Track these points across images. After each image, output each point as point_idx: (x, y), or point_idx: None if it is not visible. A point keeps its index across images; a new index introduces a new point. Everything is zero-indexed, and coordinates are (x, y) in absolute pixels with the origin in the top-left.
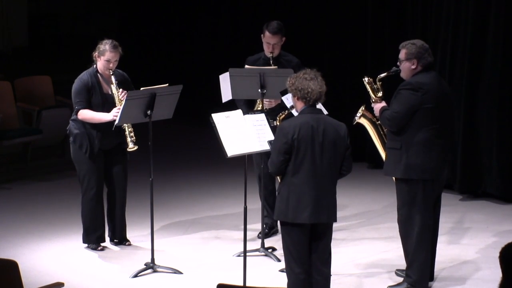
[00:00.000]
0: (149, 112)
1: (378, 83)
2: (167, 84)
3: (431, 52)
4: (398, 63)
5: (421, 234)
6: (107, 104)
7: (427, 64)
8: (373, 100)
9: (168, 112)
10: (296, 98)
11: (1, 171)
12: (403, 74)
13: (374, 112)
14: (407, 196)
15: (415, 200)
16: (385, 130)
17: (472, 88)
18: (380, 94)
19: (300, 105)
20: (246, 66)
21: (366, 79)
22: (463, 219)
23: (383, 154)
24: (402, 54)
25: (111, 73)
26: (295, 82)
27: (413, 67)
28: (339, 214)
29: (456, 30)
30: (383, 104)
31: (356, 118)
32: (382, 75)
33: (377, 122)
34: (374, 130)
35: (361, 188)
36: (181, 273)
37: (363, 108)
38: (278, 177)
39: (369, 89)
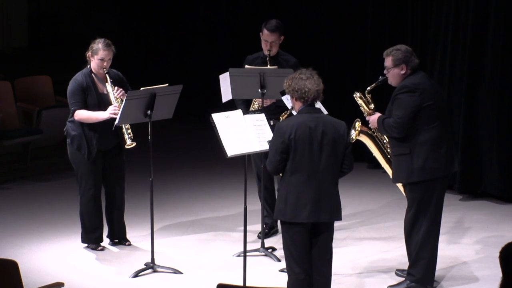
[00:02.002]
0: (149, 112)
1: (368, 95)
2: (167, 84)
3: (415, 54)
4: (385, 71)
5: (428, 233)
6: (103, 103)
7: (415, 66)
8: (367, 113)
9: (168, 112)
10: (294, 99)
11: (1, 171)
12: (392, 81)
13: (371, 124)
14: (419, 196)
15: (428, 199)
16: (384, 138)
17: (472, 88)
18: (372, 106)
19: (299, 105)
20: (246, 66)
21: (357, 94)
22: (463, 219)
23: (386, 166)
24: (388, 62)
25: (106, 72)
26: (292, 83)
27: (402, 72)
28: None
29: (456, 30)
30: (379, 114)
31: (353, 136)
32: (370, 87)
33: (374, 134)
34: (374, 144)
35: (361, 188)
36: (181, 273)
37: (359, 124)
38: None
39: (362, 103)
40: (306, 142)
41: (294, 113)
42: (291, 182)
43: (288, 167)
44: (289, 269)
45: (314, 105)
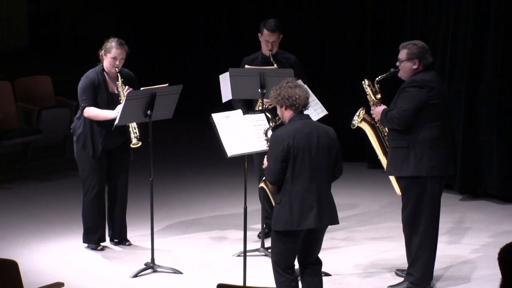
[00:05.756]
0: (149, 112)
1: (376, 85)
2: (167, 84)
3: (430, 53)
4: (397, 63)
5: (426, 233)
6: (112, 103)
7: (428, 64)
8: (373, 103)
9: (168, 112)
10: (284, 108)
11: (1, 171)
12: (402, 74)
13: (374, 115)
14: (415, 194)
15: (423, 198)
16: (385, 131)
17: (472, 88)
18: (379, 96)
19: (289, 114)
20: (246, 66)
21: (366, 81)
22: (463, 219)
23: (382, 158)
24: (403, 54)
25: (118, 71)
26: (280, 92)
27: (414, 67)
28: (340, 214)
29: (456, 30)
30: (384, 106)
31: (355, 122)
32: (380, 77)
33: (376, 125)
34: (373, 134)
35: (361, 188)
36: (181, 273)
37: (363, 112)
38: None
39: (369, 92)
40: (305, 148)
41: None
42: (294, 190)
43: (288, 176)
44: (279, 275)
45: (303, 113)
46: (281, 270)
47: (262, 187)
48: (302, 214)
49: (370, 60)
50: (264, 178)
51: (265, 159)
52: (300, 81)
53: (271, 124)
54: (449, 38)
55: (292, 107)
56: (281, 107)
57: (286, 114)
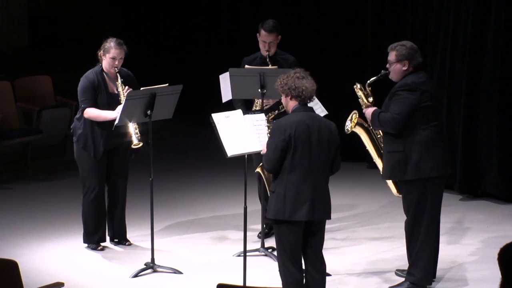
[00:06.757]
0: (149, 112)
1: (368, 88)
2: (167, 84)
3: (420, 53)
4: (387, 65)
5: (427, 233)
6: (113, 103)
7: (418, 64)
8: (365, 106)
9: (168, 112)
10: (289, 97)
11: (1, 171)
12: (393, 76)
13: (366, 117)
14: (416, 197)
15: (424, 199)
16: (378, 133)
17: (472, 88)
18: (371, 99)
19: (293, 104)
20: (246, 66)
21: (358, 85)
22: (463, 219)
23: (377, 161)
24: (392, 56)
25: (117, 71)
26: (288, 81)
27: (404, 68)
28: (340, 214)
29: (456, 30)
30: (375, 108)
31: (349, 127)
32: (371, 80)
33: (370, 128)
34: (368, 137)
35: (361, 188)
36: (181, 273)
37: (356, 116)
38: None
39: (361, 95)
40: (305, 141)
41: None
42: (290, 180)
43: (286, 165)
44: (285, 269)
45: (307, 105)
46: (289, 262)
47: (258, 172)
48: (295, 205)
49: (370, 60)
50: (261, 163)
51: (265, 145)
52: (308, 73)
53: (272, 113)
54: (449, 38)
55: (298, 98)
56: (286, 96)
57: (290, 104)
